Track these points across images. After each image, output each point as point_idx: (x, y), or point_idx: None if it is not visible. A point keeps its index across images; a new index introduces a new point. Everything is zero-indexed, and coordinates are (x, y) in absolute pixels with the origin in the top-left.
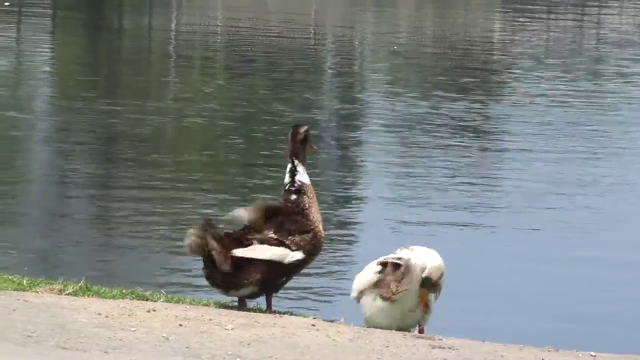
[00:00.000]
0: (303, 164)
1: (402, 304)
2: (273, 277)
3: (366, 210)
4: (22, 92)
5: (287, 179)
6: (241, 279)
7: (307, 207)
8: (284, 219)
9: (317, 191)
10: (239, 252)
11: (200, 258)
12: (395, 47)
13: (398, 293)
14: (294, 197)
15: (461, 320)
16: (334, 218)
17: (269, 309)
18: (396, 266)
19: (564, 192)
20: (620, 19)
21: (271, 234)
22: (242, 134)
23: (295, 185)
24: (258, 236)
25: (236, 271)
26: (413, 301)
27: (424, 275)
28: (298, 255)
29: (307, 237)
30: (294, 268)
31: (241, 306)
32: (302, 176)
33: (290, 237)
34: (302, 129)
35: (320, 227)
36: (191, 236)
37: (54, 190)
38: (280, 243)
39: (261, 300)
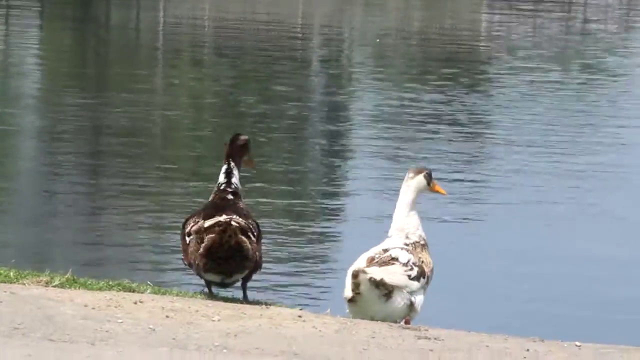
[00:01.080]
0: (239, 169)
1: (361, 308)
2: (259, 257)
3: (352, 203)
4: (7, 86)
5: (222, 178)
6: (250, 259)
7: (242, 208)
8: (235, 208)
9: (300, 184)
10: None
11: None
12: (378, 40)
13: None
14: (230, 197)
15: (447, 311)
16: (319, 210)
17: (245, 297)
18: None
19: (546, 184)
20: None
21: (241, 220)
22: (225, 125)
23: (232, 187)
24: (234, 221)
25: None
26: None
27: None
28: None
29: (255, 224)
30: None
31: (210, 293)
32: (238, 180)
33: (249, 222)
34: (243, 137)
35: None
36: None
37: (40, 183)
38: (249, 226)
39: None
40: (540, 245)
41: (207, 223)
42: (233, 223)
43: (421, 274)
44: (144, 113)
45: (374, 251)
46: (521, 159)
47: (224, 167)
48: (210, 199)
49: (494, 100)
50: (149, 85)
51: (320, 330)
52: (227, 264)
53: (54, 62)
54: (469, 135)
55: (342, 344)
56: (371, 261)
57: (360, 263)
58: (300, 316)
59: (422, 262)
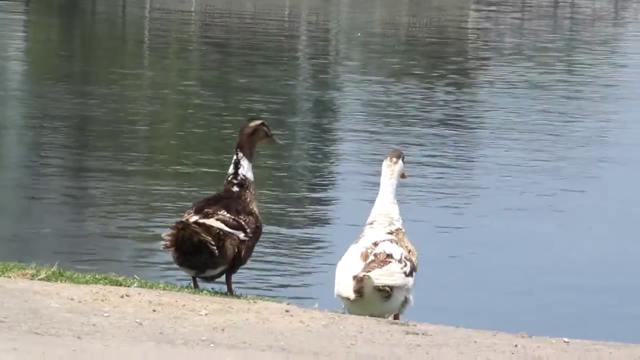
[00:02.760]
0: (248, 159)
1: (362, 307)
2: (240, 254)
3: (338, 198)
4: None
5: (230, 169)
6: (221, 257)
7: (247, 200)
8: (228, 201)
9: (290, 178)
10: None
11: (177, 250)
12: (359, 34)
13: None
14: (236, 189)
15: (435, 306)
16: (306, 204)
17: (230, 291)
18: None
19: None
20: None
21: (226, 214)
22: (212, 120)
23: (239, 178)
24: (217, 217)
25: (219, 250)
26: (370, 306)
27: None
28: (250, 234)
29: (252, 218)
30: (250, 247)
31: (196, 287)
32: (247, 171)
33: (240, 217)
34: (253, 123)
35: (259, 215)
36: (170, 236)
37: (26, 176)
38: (235, 221)
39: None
40: (527, 239)
41: (180, 219)
42: (193, 224)
43: (413, 268)
44: (130, 106)
45: (364, 245)
46: (511, 154)
47: (234, 158)
48: (218, 191)
49: (484, 95)
50: (132, 79)
51: (308, 325)
52: (195, 260)
53: (39, 54)
54: (454, 128)
55: (330, 338)
56: (366, 258)
57: (354, 261)
58: (287, 311)
59: (409, 251)
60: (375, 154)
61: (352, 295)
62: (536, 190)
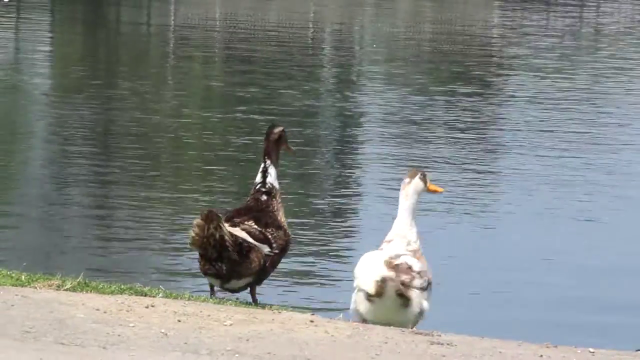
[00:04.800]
0: (275, 166)
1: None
2: (266, 267)
3: (362, 208)
4: (19, 87)
5: (258, 178)
6: (245, 268)
7: (275, 209)
8: (259, 214)
9: (313, 188)
10: (237, 233)
11: (201, 251)
12: (374, 45)
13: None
14: (264, 197)
15: (458, 315)
16: (330, 209)
17: (255, 301)
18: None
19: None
20: (618, 16)
21: (254, 225)
22: (236, 131)
23: (267, 186)
24: (242, 226)
25: (241, 259)
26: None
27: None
28: (276, 249)
29: (281, 233)
30: (276, 262)
31: (212, 296)
32: (274, 180)
33: (268, 230)
34: (277, 129)
35: (288, 228)
36: (197, 227)
37: (52, 186)
38: (262, 234)
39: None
40: (548, 251)
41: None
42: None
43: (429, 283)
44: (155, 116)
45: (387, 254)
46: (530, 163)
47: (261, 166)
48: (248, 199)
49: (504, 102)
50: (163, 90)
51: (332, 335)
52: (219, 267)
53: (64, 64)
54: (475, 139)
55: (355, 349)
56: (389, 265)
57: (378, 264)
58: (312, 321)
59: (426, 269)
60: (404, 164)
61: (372, 289)
62: (561, 200)
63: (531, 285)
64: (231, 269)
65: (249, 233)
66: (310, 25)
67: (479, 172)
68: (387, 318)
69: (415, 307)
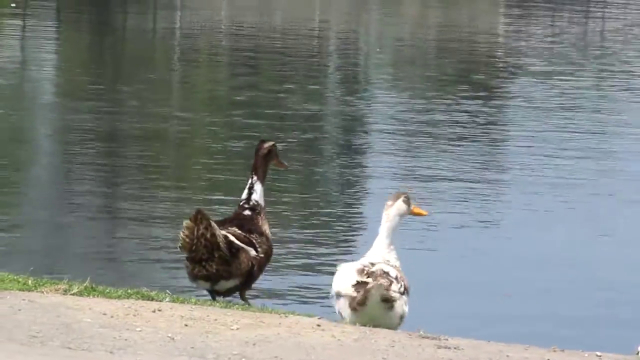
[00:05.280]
0: (262, 182)
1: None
2: (253, 270)
3: (366, 210)
4: (25, 92)
5: (244, 194)
6: (235, 268)
7: (259, 223)
8: (242, 221)
9: (317, 196)
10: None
11: (192, 253)
12: (379, 49)
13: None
14: (247, 213)
15: (463, 319)
16: (334, 218)
17: (246, 302)
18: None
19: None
20: (624, 16)
21: (238, 230)
22: (240, 136)
23: (250, 203)
24: (227, 231)
25: (232, 258)
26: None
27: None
28: (261, 253)
29: (264, 239)
30: (263, 265)
31: (213, 299)
32: (259, 197)
33: (252, 235)
34: (267, 145)
35: (270, 239)
36: (187, 229)
37: (58, 191)
38: (247, 238)
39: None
40: (548, 251)
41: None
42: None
43: (406, 289)
44: (160, 120)
45: (362, 263)
46: (538, 167)
47: (249, 181)
48: (232, 214)
49: (510, 108)
50: (168, 95)
51: (339, 339)
52: (209, 266)
53: (70, 69)
54: (483, 142)
55: (362, 352)
56: (361, 272)
57: (351, 274)
58: (319, 325)
59: (403, 278)
60: (407, 171)
61: (352, 294)
62: (568, 201)
63: (537, 286)
64: (221, 268)
65: (234, 236)
66: (316, 27)
67: (488, 182)
68: (372, 323)
69: (398, 309)
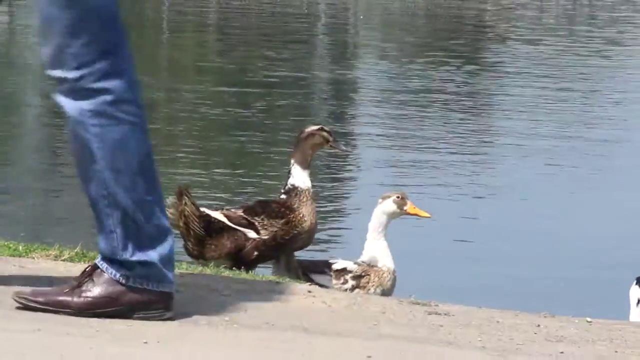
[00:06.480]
0: (301, 166)
1: None
2: (241, 251)
3: (359, 188)
4: (14, 73)
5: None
6: (208, 249)
7: (294, 206)
8: (254, 204)
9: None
10: (212, 213)
11: (177, 229)
12: (362, 17)
13: None
14: (283, 197)
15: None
16: (327, 195)
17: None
18: None
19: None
20: None
21: (238, 212)
22: (231, 114)
23: (286, 187)
24: (223, 211)
25: (208, 238)
26: None
27: None
28: (265, 235)
29: (278, 222)
30: (262, 247)
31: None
32: (296, 179)
33: (256, 218)
34: (308, 129)
35: (305, 222)
36: (171, 207)
37: (49, 159)
38: (245, 220)
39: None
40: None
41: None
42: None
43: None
44: (152, 95)
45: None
46: (524, 139)
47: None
48: None
49: (499, 77)
50: (156, 66)
51: (330, 306)
52: (191, 243)
53: None
54: (470, 112)
55: (353, 319)
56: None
57: None
58: (310, 291)
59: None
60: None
61: None
62: (555, 175)
63: (528, 258)
64: (196, 248)
65: (227, 216)
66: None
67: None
68: None
69: None
